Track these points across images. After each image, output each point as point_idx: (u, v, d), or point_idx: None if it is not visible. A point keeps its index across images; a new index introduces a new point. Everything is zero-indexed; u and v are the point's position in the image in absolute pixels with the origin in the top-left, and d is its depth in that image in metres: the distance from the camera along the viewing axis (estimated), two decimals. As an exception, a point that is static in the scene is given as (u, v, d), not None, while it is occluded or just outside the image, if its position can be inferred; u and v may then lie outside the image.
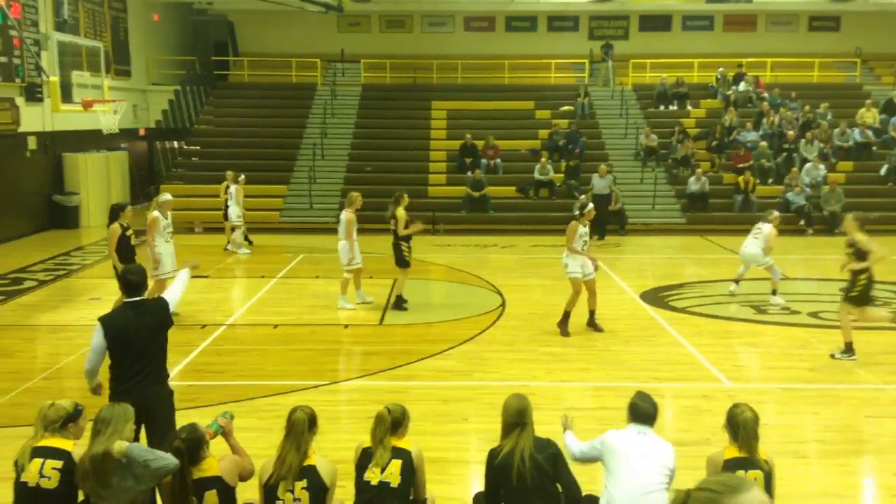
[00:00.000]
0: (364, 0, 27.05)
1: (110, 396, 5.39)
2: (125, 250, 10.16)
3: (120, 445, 4.35)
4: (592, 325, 10.79)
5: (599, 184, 19.17)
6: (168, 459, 4.39)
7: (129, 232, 10.31)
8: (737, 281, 12.96)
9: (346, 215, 11.72)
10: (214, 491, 4.46)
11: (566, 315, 10.61)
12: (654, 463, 4.66)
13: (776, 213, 12.68)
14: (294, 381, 8.68)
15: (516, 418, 4.73)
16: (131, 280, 5.61)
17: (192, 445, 4.50)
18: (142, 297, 5.63)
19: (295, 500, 4.41)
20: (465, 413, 7.79)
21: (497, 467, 4.63)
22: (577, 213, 10.68)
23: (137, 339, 5.43)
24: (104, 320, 5.49)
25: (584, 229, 10.48)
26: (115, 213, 10.39)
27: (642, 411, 4.88)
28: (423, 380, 8.78)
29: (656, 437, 4.85)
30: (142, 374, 5.46)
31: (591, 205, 10.93)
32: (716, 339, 10.45)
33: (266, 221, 20.15)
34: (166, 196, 11.31)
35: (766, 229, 12.31)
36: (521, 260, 16.32)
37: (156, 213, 10.89)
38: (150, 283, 10.29)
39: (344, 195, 20.22)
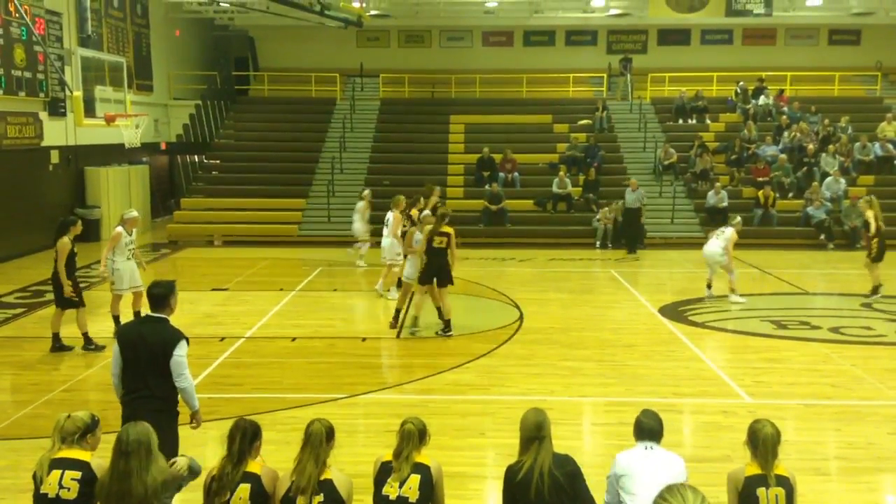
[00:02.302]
0: (383, 15, 27.23)
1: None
2: (69, 266, 10.13)
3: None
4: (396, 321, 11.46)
5: (630, 197, 19.20)
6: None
7: (75, 248, 10.32)
8: (709, 285, 13.45)
9: (395, 215, 12.87)
10: (248, 485, 4.48)
11: (397, 312, 11.49)
12: (667, 476, 4.63)
13: (739, 219, 13.73)
14: (312, 394, 8.69)
15: (534, 432, 4.69)
16: (154, 294, 5.56)
17: (255, 430, 4.62)
18: (162, 316, 5.52)
19: (312, 514, 4.40)
20: (483, 427, 7.77)
21: (517, 484, 4.59)
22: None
23: (138, 352, 5.38)
24: (119, 327, 5.57)
25: (420, 235, 11.19)
26: (64, 227, 10.26)
27: (647, 427, 4.88)
28: (440, 394, 8.77)
29: (664, 451, 4.86)
30: (139, 393, 5.40)
31: (426, 212, 11.78)
32: (736, 354, 10.37)
33: (285, 235, 20.25)
34: (132, 213, 11.22)
35: (728, 232, 13.13)
36: (539, 273, 16.28)
37: (119, 229, 10.82)
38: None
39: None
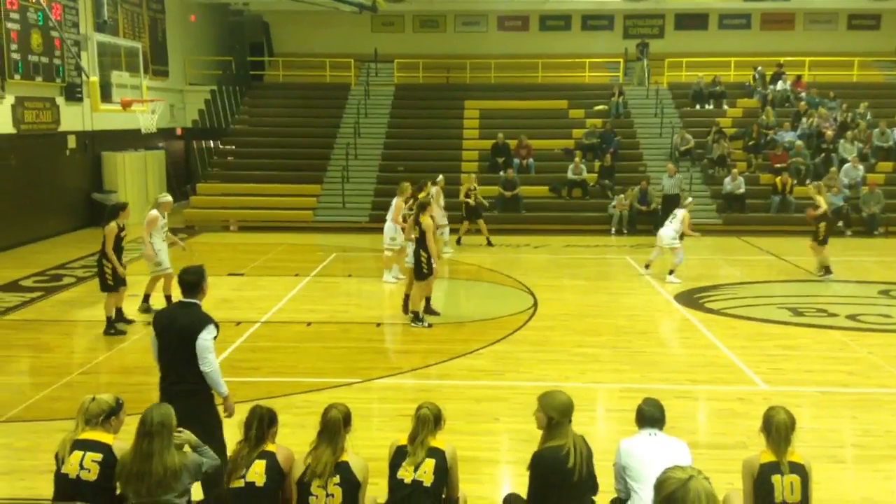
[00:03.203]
0: (397, 0, 27.12)
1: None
2: (115, 250, 10.37)
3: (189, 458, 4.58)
4: (407, 308, 11.25)
5: (668, 183, 19.16)
6: (213, 459, 4.73)
7: (124, 233, 10.54)
8: (647, 265, 14.41)
9: (397, 201, 12.93)
10: (264, 461, 4.57)
11: (426, 301, 11.21)
12: (672, 461, 4.64)
13: (690, 199, 14.50)
14: (327, 378, 8.72)
15: (567, 414, 4.75)
16: (186, 280, 5.67)
17: (271, 416, 4.75)
18: (194, 300, 5.62)
19: (328, 495, 4.44)
20: (497, 413, 7.78)
21: (558, 463, 4.60)
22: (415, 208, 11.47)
23: (170, 336, 5.49)
24: (155, 312, 5.67)
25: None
26: (114, 212, 10.47)
27: (649, 415, 4.94)
28: (455, 379, 8.78)
29: (667, 436, 4.90)
30: (170, 378, 5.50)
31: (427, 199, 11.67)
32: (751, 341, 10.31)
33: (300, 220, 20.30)
34: (167, 197, 11.56)
35: (679, 214, 13.74)
36: (554, 260, 16.26)
37: (154, 213, 11.10)
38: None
39: (377, 194, 20.61)
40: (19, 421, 7.54)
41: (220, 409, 5.64)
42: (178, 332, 5.44)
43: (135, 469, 4.39)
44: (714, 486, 2.95)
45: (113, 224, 10.27)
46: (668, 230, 13.86)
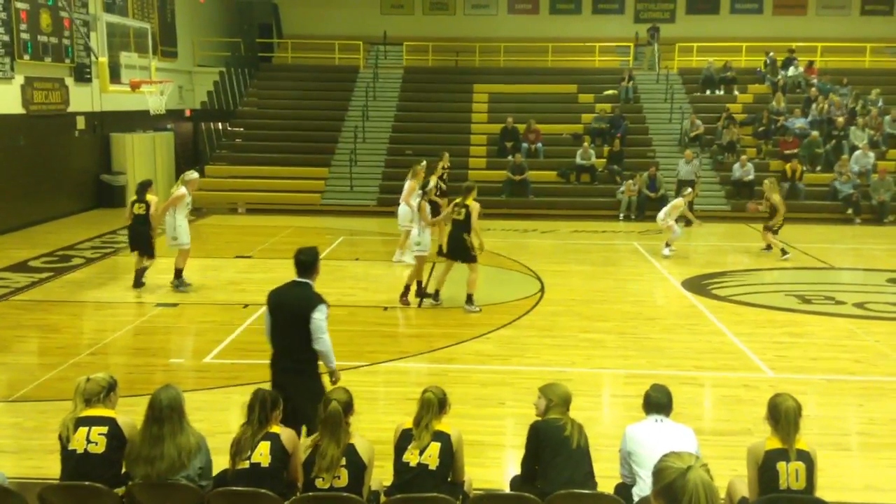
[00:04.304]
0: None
1: None
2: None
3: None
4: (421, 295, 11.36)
5: (684, 169, 19.16)
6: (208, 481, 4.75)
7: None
8: (668, 244, 14.88)
9: (410, 184, 12.87)
10: (269, 442, 4.62)
11: (406, 288, 11.27)
12: (678, 447, 4.66)
13: (690, 190, 15.54)
14: (334, 361, 8.75)
15: (564, 402, 4.90)
16: (301, 260, 5.79)
17: (274, 399, 4.79)
18: (307, 280, 5.75)
19: (335, 477, 4.47)
20: (503, 397, 7.80)
21: (552, 433, 4.74)
22: (421, 192, 11.53)
23: (282, 313, 5.67)
24: (270, 291, 5.85)
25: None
26: (148, 186, 11.64)
27: (655, 401, 4.97)
28: (461, 363, 8.80)
29: (673, 423, 4.92)
30: (282, 358, 5.68)
31: (431, 183, 11.74)
32: (758, 328, 10.30)
33: (307, 203, 20.31)
34: (193, 175, 11.90)
35: (673, 201, 15.03)
36: (561, 245, 16.24)
37: (182, 190, 11.51)
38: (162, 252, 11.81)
39: (385, 178, 20.60)
40: (28, 401, 7.60)
41: (326, 378, 5.77)
42: (289, 310, 5.63)
43: (144, 453, 4.42)
44: (718, 473, 2.95)
45: (154, 197, 11.32)
46: (661, 213, 14.85)
